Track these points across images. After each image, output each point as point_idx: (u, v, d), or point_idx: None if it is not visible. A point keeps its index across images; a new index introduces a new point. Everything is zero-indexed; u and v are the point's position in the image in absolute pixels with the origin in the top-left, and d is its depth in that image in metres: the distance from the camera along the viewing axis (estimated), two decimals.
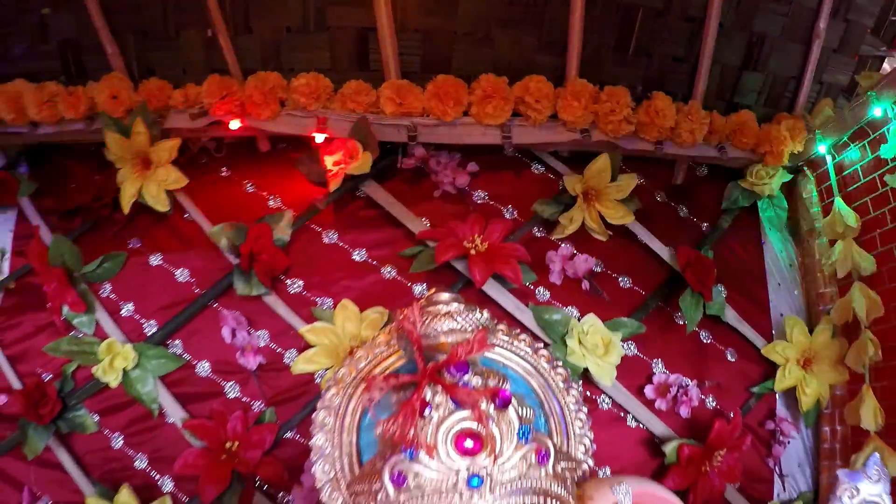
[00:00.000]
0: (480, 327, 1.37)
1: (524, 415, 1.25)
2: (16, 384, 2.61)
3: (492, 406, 1.19)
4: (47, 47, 2.75)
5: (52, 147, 2.91)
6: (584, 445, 1.50)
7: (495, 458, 1.16)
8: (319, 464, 1.45)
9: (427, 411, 1.19)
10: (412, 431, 1.16)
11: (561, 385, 1.52)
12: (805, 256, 2.94)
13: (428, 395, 1.21)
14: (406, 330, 1.29)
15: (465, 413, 1.18)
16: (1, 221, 2.90)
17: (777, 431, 2.63)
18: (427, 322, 1.37)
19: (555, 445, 1.25)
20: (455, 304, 1.44)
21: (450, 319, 1.39)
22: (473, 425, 1.17)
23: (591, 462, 1.52)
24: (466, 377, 1.24)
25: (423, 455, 1.15)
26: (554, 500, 1.21)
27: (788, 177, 2.84)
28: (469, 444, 1.15)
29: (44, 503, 2.62)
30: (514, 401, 1.21)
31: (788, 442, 2.68)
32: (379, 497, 1.17)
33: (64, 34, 2.73)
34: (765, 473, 2.61)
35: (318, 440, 1.45)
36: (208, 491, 2.24)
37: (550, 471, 1.22)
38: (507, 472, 1.17)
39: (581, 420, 1.52)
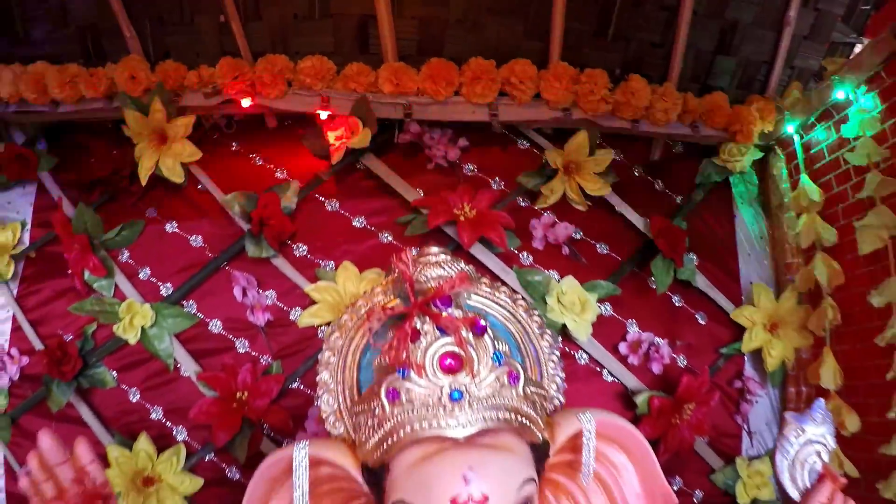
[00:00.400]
0: (464, 271, 1.55)
1: (499, 346, 1.44)
2: (38, 346, 2.72)
3: (470, 334, 1.38)
4: (67, 31, 2.79)
5: (69, 124, 2.97)
6: (556, 384, 1.67)
7: (473, 377, 1.34)
8: (325, 397, 1.62)
9: (417, 338, 1.38)
10: (404, 354, 1.34)
11: (536, 330, 1.69)
12: (774, 229, 3.01)
13: (417, 323, 1.39)
14: (400, 269, 1.47)
15: (448, 339, 1.36)
16: (22, 195, 2.97)
17: (745, 390, 2.71)
18: (419, 269, 1.55)
19: (525, 371, 1.44)
20: (443, 256, 1.61)
21: (438, 267, 1.56)
22: (455, 349, 1.36)
23: (562, 398, 1.70)
24: (450, 309, 1.42)
25: (413, 374, 1.34)
26: (524, 418, 1.39)
27: (759, 154, 2.92)
28: (450, 363, 1.34)
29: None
30: (489, 331, 1.39)
31: (756, 401, 2.78)
32: (376, 412, 1.35)
33: (83, 19, 2.76)
34: (733, 429, 2.72)
35: (324, 376, 1.62)
36: (220, 437, 2.37)
37: (521, 392, 1.40)
38: (483, 389, 1.35)
39: (553, 362, 1.69)
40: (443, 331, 1.38)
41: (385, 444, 1.30)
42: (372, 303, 1.69)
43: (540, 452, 1.42)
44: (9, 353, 2.75)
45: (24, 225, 2.90)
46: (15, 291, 2.82)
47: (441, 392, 1.32)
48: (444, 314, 1.41)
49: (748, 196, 2.98)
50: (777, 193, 2.93)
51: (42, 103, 2.77)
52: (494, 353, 1.36)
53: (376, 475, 1.37)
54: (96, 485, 1.38)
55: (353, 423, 1.49)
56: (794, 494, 1.64)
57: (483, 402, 1.34)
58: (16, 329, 2.82)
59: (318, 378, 1.66)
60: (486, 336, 1.39)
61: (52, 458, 1.37)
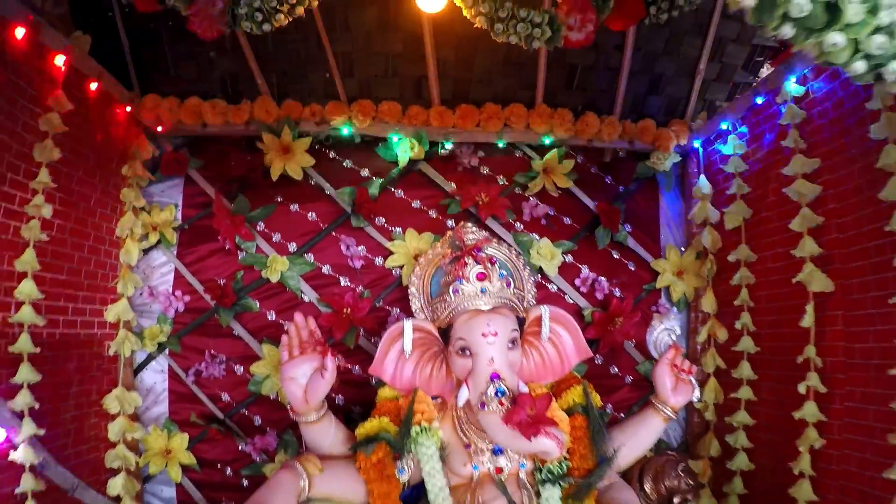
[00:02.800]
0: (487, 237, 2.93)
1: (502, 270, 2.81)
2: (198, 288, 3.70)
3: (488, 263, 2.73)
4: (213, 75, 3.59)
5: (208, 137, 3.79)
6: (532, 292, 3.01)
7: (490, 282, 2.67)
8: (413, 301, 2.96)
9: (465, 265, 2.74)
10: (461, 271, 2.70)
11: (521, 265, 3.03)
12: (687, 210, 3.94)
13: (467, 259, 2.73)
14: (458, 236, 2.82)
15: (479, 266, 2.69)
16: (172, 186, 3.82)
17: (658, 312, 3.78)
18: (464, 234, 2.90)
19: (514, 282, 2.81)
20: (474, 228, 2.97)
21: (472, 233, 2.90)
22: (482, 270, 2.68)
23: (533, 299, 3.01)
24: (479, 253, 2.76)
25: (464, 282, 2.66)
26: (513, 303, 2.72)
27: (678, 159, 3.85)
28: (480, 275, 2.64)
29: (220, 359, 3.71)
30: (497, 263, 2.77)
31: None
32: (447, 300, 2.64)
33: (226, 68, 3.56)
34: None
35: (412, 290, 2.96)
36: (337, 334, 3.51)
37: (512, 292, 2.72)
38: (495, 288, 2.64)
39: (530, 282, 3.00)
40: (476, 262, 2.76)
41: (453, 312, 2.67)
42: (434, 252, 3.06)
43: (520, 322, 2.73)
44: (174, 294, 3.71)
45: (177, 206, 3.77)
46: (174, 252, 3.75)
47: (476, 289, 2.67)
48: (477, 255, 2.80)
49: (668, 186, 3.94)
50: (690, 186, 3.90)
51: (193, 124, 3.63)
52: (499, 273, 2.74)
53: (444, 332, 2.75)
54: (316, 336, 2.70)
55: (431, 309, 2.86)
56: (655, 355, 2.97)
57: (495, 294, 2.68)
58: (177, 278, 3.74)
59: (409, 290, 3.03)
60: (495, 265, 2.78)
61: (299, 322, 2.63)
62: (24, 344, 2.81)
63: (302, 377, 2.49)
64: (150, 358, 3.72)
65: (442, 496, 2.43)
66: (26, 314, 2.82)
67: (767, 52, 3.68)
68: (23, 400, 2.77)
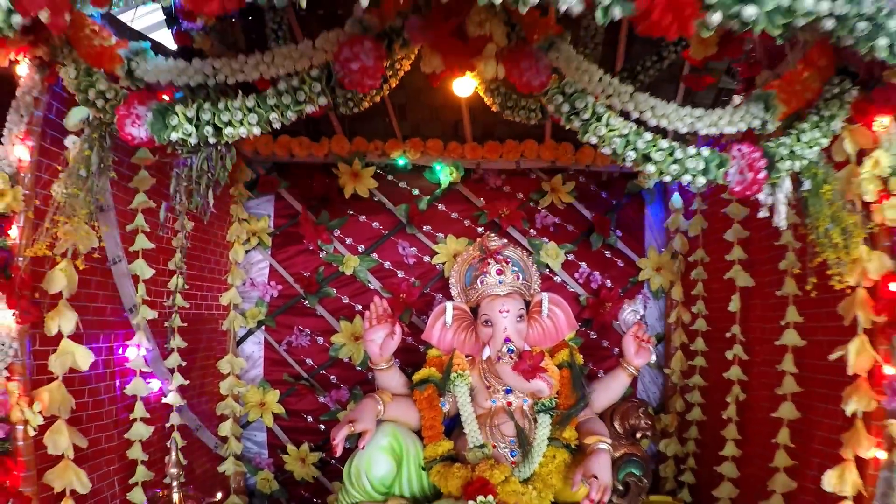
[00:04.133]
0: (504, 243, 4.04)
1: (514, 267, 3.93)
2: (289, 279, 4.71)
3: (504, 262, 3.83)
4: (299, 118, 4.46)
5: (291, 164, 4.71)
6: (537, 283, 4.10)
7: (506, 276, 3.75)
8: (452, 288, 4.06)
9: (489, 264, 3.83)
10: (485, 269, 3.78)
11: (530, 263, 4.14)
12: (666, 219, 4.75)
13: (490, 260, 3.79)
14: (484, 244, 3.87)
15: (498, 265, 3.79)
16: (264, 201, 4.78)
17: (643, 300, 4.80)
18: (488, 241, 3.94)
19: (524, 274, 3.92)
20: (496, 236, 4.07)
21: (495, 240, 3.95)
22: (501, 266, 3.77)
23: (538, 289, 4.15)
24: (499, 255, 3.86)
25: (487, 276, 3.74)
26: (521, 290, 3.83)
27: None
28: (499, 271, 3.73)
29: (306, 333, 4.72)
30: (511, 262, 3.89)
31: (647, 306, 4.75)
32: (476, 287, 3.73)
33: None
34: None
35: (452, 279, 4.10)
36: (396, 313, 4.30)
37: (522, 282, 3.84)
38: (509, 279, 3.72)
39: (536, 276, 4.08)
40: (496, 262, 3.88)
41: (480, 297, 3.74)
42: (468, 253, 4.11)
43: (527, 304, 3.79)
44: (269, 284, 4.71)
45: (270, 217, 4.74)
46: (269, 252, 4.76)
47: (496, 281, 3.73)
48: (499, 256, 3.92)
49: (652, 201, 4.79)
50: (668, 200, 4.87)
51: (284, 155, 4.58)
52: (512, 269, 3.81)
53: (474, 310, 3.84)
54: (388, 312, 3.80)
55: (465, 294, 3.92)
56: (624, 329, 4.04)
57: (508, 284, 3.73)
58: (272, 272, 4.75)
59: (449, 281, 4.14)
60: (509, 264, 3.90)
61: (377, 302, 3.70)
62: (175, 321, 4.03)
63: (378, 339, 3.64)
64: (250, 332, 4.78)
65: (470, 420, 3.60)
66: (178, 299, 4.05)
67: (733, 92, 4.48)
68: (174, 360, 3.96)
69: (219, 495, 3.63)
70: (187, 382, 4.01)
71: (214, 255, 4.57)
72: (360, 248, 4.86)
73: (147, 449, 3.57)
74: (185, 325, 4.10)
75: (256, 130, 2.33)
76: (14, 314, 2.48)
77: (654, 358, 3.91)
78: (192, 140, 2.24)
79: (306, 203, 4.78)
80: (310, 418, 4.80)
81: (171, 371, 3.90)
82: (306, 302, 4.79)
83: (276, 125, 2.37)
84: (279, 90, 2.34)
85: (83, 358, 2.80)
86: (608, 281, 4.88)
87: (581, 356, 3.88)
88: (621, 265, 4.92)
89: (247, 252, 4.75)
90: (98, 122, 2.55)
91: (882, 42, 1.90)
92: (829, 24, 1.81)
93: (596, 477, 3.14)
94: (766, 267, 3.70)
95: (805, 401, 3.29)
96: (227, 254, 4.70)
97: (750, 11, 1.71)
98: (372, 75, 2.19)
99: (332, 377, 4.82)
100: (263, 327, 4.79)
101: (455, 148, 4.62)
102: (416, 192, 4.89)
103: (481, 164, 4.74)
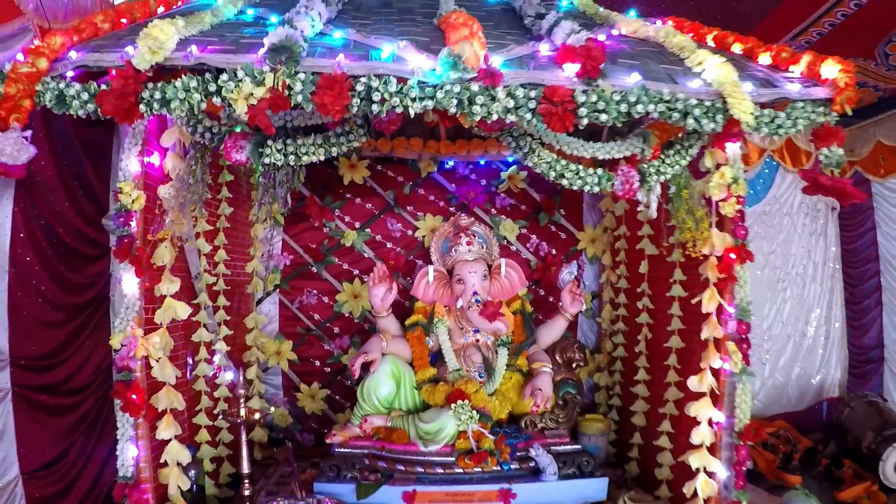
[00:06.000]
0: (472, 221, 5.32)
1: (480, 239, 5.22)
2: (299, 250, 5.69)
3: (473, 236, 5.12)
4: None
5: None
6: (497, 251, 5.32)
7: (472, 246, 5.02)
8: (432, 255, 5.28)
9: (461, 238, 5.09)
10: (457, 241, 4.99)
11: (492, 236, 5.37)
12: (601, 202, 6.18)
13: (461, 235, 5.07)
14: (456, 221, 5.13)
15: (467, 238, 5.02)
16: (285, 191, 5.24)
17: (580, 265, 5.90)
18: (459, 220, 5.26)
19: (485, 245, 5.18)
20: (464, 216, 5.35)
21: (463, 220, 5.21)
22: (470, 238, 5.08)
23: (498, 256, 5.39)
24: (468, 231, 5.13)
25: (459, 246, 4.99)
26: (485, 256, 5.11)
27: None
28: (468, 242, 5.01)
29: (314, 293, 5.72)
30: (477, 236, 5.20)
31: (584, 270, 5.89)
32: (452, 254, 4.99)
33: None
34: None
35: (431, 251, 5.37)
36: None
37: (485, 251, 5.08)
38: (475, 247, 5.00)
39: (496, 246, 5.34)
40: (466, 236, 5.12)
41: (454, 261, 5.01)
42: (444, 229, 5.37)
43: (489, 267, 5.10)
44: (283, 254, 5.71)
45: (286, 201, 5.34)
46: (282, 229, 5.71)
47: (466, 250, 5.00)
48: (466, 232, 5.19)
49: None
50: None
51: None
52: (479, 241, 5.08)
53: (450, 272, 5.13)
54: (387, 273, 5.06)
55: (443, 260, 5.19)
56: (562, 285, 5.36)
57: (476, 252, 5.02)
58: (284, 245, 5.71)
59: (430, 250, 5.42)
60: (476, 237, 5.16)
61: (380, 268, 5.02)
62: (220, 284, 5.21)
63: (380, 294, 4.91)
64: (267, 294, 5.78)
65: (449, 352, 4.91)
66: (221, 268, 5.27)
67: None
68: (220, 315, 5.16)
69: (272, 408, 4.87)
70: (231, 332, 5.18)
71: (242, 232, 5.66)
72: (357, 224, 5.86)
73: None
74: (228, 288, 5.28)
75: (321, 157, 3.54)
76: (140, 281, 3.61)
77: (584, 307, 5.25)
78: (280, 163, 3.43)
79: (314, 189, 5.74)
80: (318, 363, 5.84)
81: (219, 324, 5.06)
82: (313, 268, 5.79)
83: (333, 153, 3.57)
84: (337, 133, 3.56)
85: (183, 310, 3.88)
86: (553, 250, 5.99)
87: (531, 306, 5.21)
88: (563, 237, 6.04)
89: (265, 229, 5.66)
90: (201, 146, 3.73)
91: (690, 121, 3.16)
92: (656, 114, 3.08)
93: (541, 390, 4.49)
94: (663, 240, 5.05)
95: (686, 335, 4.64)
96: (250, 231, 5.64)
97: (604, 118, 2.97)
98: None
99: (335, 329, 5.84)
100: (279, 290, 5.77)
101: (432, 145, 5.35)
102: (401, 179, 5.89)
103: (453, 157, 5.68)
